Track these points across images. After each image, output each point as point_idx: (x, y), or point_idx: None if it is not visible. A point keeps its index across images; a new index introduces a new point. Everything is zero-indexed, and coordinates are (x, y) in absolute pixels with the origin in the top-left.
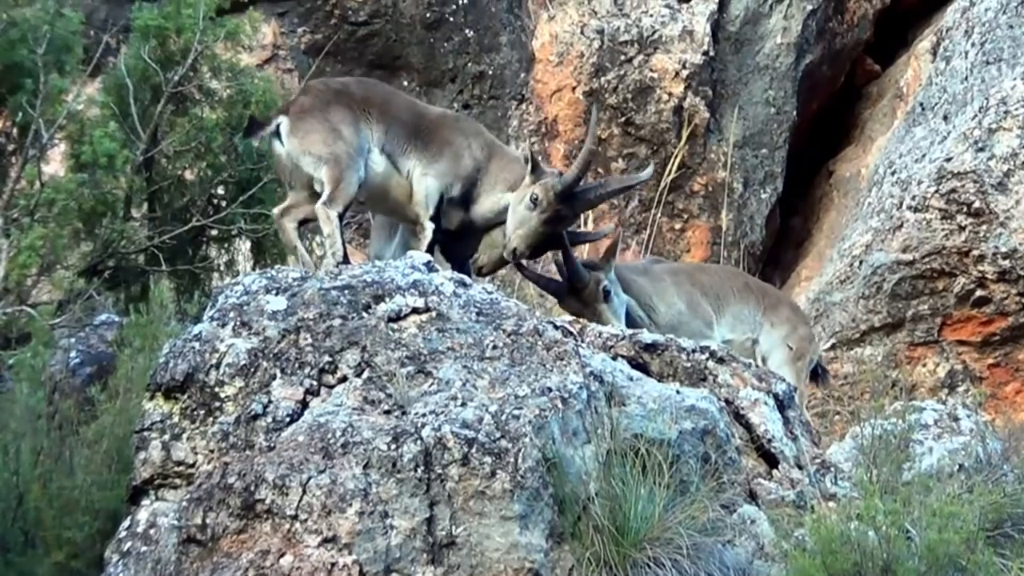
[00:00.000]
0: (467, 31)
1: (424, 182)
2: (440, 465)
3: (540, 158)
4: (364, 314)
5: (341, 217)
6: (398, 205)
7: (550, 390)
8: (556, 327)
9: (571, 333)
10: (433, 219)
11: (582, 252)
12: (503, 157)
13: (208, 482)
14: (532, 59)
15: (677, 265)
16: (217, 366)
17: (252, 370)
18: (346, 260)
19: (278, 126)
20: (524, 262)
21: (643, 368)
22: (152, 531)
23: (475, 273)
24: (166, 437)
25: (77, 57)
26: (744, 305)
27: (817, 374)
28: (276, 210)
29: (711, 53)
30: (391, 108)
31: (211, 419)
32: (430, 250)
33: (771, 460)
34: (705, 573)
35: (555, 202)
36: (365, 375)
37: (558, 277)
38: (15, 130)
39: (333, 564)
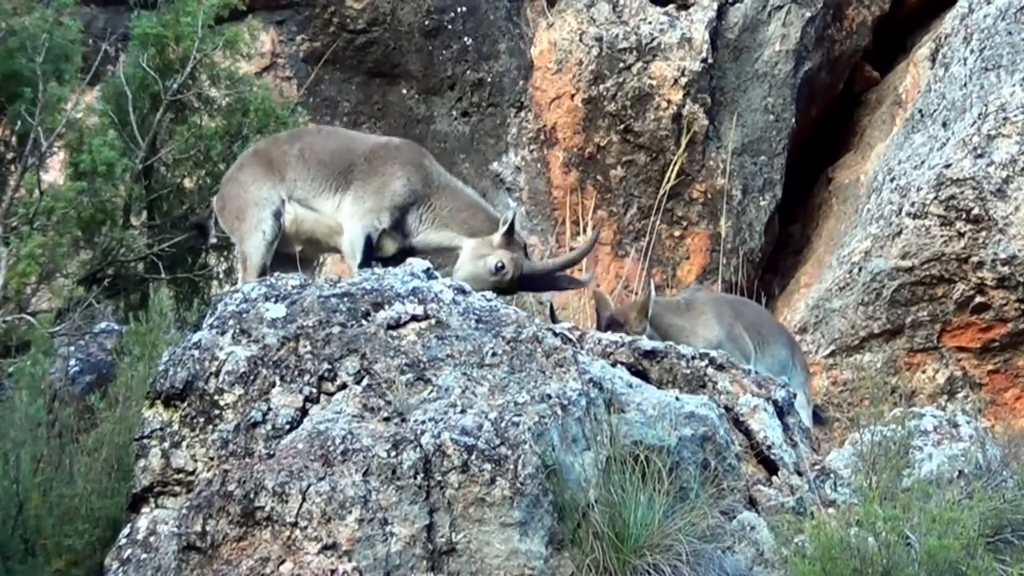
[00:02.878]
0: (466, 39)
1: (348, 227)
2: (440, 472)
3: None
4: (363, 321)
5: None
6: (330, 246)
7: (549, 397)
8: (555, 334)
9: (570, 340)
10: (363, 266)
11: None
12: (458, 198)
13: (208, 489)
14: (531, 66)
15: (722, 296)
16: (217, 374)
17: (252, 378)
18: None
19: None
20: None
21: (642, 375)
22: (152, 539)
23: None
24: (166, 445)
25: (76, 66)
26: (778, 345)
27: (817, 416)
28: None
29: (710, 60)
30: (310, 153)
31: (211, 427)
32: None
33: (771, 467)
34: None
35: (515, 279)
36: (364, 382)
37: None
38: (14, 138)
39: (333, 571)
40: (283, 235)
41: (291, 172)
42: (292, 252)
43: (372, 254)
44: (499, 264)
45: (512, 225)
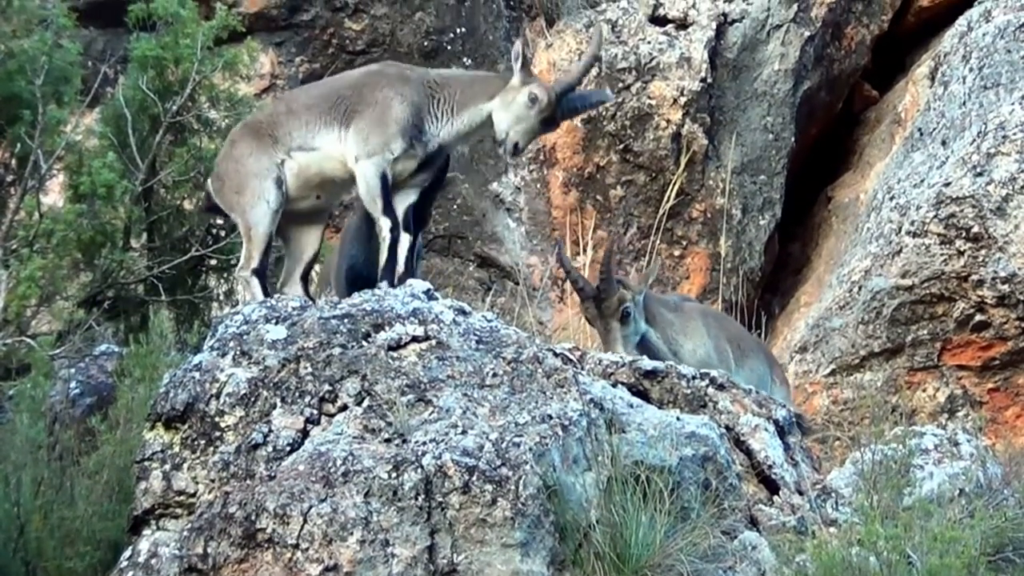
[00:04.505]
0: (465, 59)
1: (360, 172)
2: (441, 493)
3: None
4: (364, 343)
5: (258, 273)
6: (344, 181)
7: (550, 417)
8: (556, 354)
9: (571, 360)
10: (386, 211)
11: (623, 270)
12: (457, 80)
13: (209, 512)
14: None
15: (706, 308)
16: (217, 396)
17: (252, 399)
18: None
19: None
20: (566, 259)
21: (643, 395)
22: (153, 561)
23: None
24: (167, 467)
25: (75, 88)
26: (757, 360)
27: (800, 425)
28: (278, 287)
29: (709, 80)
30: (296, 104)
31: (212, 449)
32: (392, 251)
33: (772, 486)
34: None
35: (554, 103)
36: (365, 404)
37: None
38: (14, 161)
39: None
40: (296, 190)
41: (282, 129)
42: (308, 208)
43: (390, 192)
44: (532, 96)
45: (524, 57)
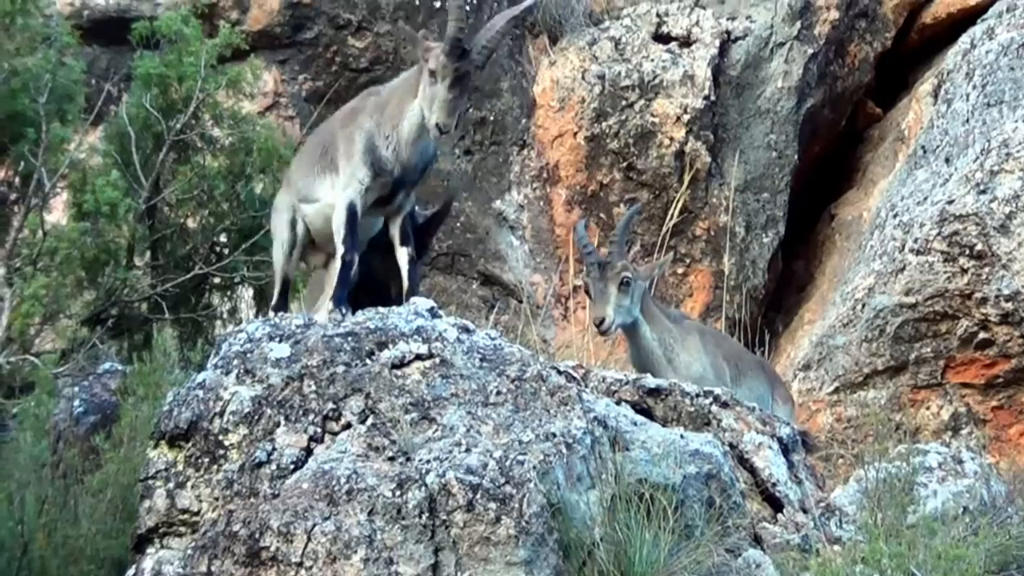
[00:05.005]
0: None
1: (336, 205)
2: (445, 511)
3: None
4: (368, 361)
5: (276, 311)
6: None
7: (554, 435)
8: (560, 372)
9: (575, 378)
10: (345, 240)
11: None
12: (394, 90)
13: (213, 530)
14: (533, 105)
15: (704, 327)
16: (221, 414)
17: (256, 417)
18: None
19: None
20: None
21: (647, 413)
22: None
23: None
24: (171, 485)
25: (79, 106)
26: (757, 379)
27: (806, 444)
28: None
29: (712, 97)
30: (303, 151)
31: (215, 467)
32: (342, 280)
33: (776, 504)
34: None
35: (451, 63)
36: (369, 422)
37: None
38: (17, 179)
39: None
40: (315, 236)
41: (294, 175)
42: (331, 251)
43: (354, 223)
44: (429, 71)
45: (413, 40)
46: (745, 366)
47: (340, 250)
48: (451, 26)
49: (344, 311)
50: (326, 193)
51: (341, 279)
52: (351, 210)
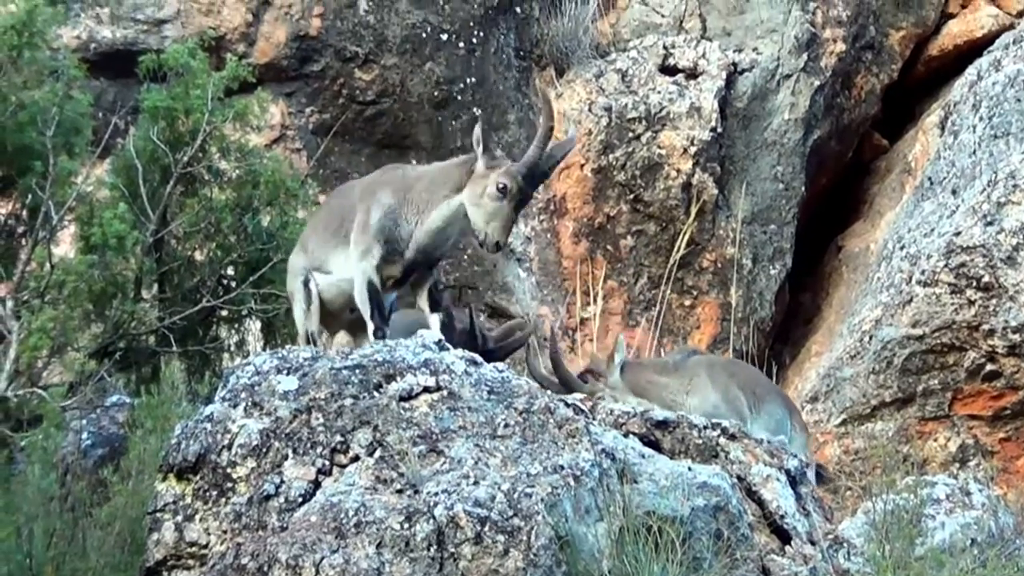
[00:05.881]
0: (475, 109)
1: (353, 276)
2: (453, 544)
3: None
4: (375, 393)
5: None
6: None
7: (562, 468)
8: (567, 405)
9: (582, 411)
10: (372, 316)
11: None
12: (427, 174)
13: (221, 563)
14: None
15: (714, 357)
16: (229, 447)
17: (264, 450)
18: None
19: None
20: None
21: (655, 445)
22: None
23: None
24: (179, 518)
25: (86, 139)
26: (775, 405)
27: (820, 476)
28: None
29: (719, 129)
30: (319, 217)
31: (224, 500)
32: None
33: (784, 536)
34: None
35: (523, 186)
36: (377, 454)
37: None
38: (25, 212)
39: None
40: (328, 306)
41: (309, 241)
42: (349, 317)
43: (378, 298)
44: (500, 186)
45: (486, 144)
46: (763, 392)
47: (370, 327)
48: (534, 150)
49: None
50: (340, 267)
51: None
52: (372, 285)
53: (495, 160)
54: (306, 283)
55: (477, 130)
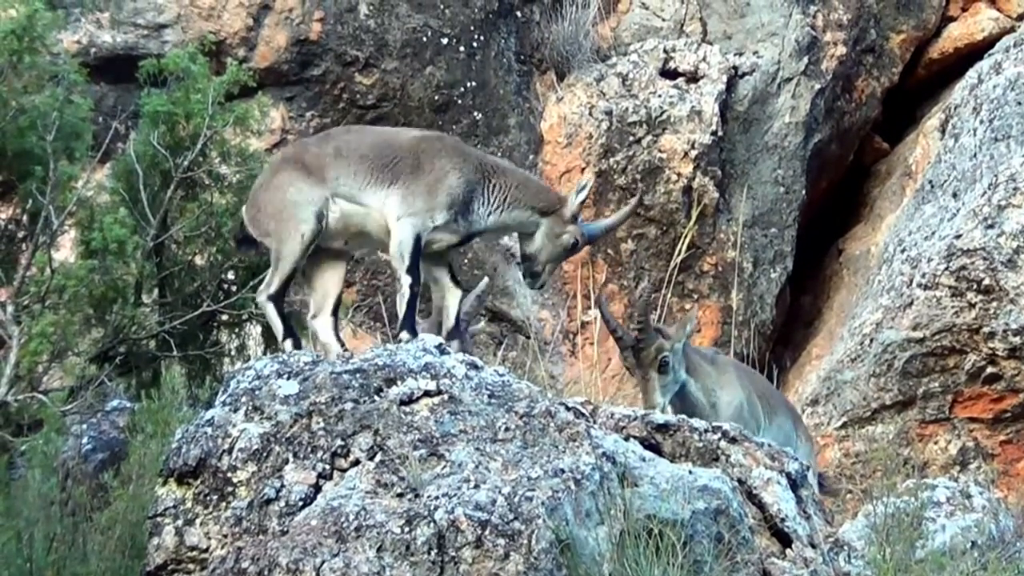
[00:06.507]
0: (475, 113)
1: (398, 229)
2: (454, 547)
3: None
4: (376, 397)
5: (273, 298)
6: (381, 241)
7: (563, 471)
8: (568, 408)
9: (583, 414)
10: (411, 271)
11: (658, 317)
12: (515, 175)
13: (222, 567)
14: (541, 141)
15: (738, 362)
16: (230, 451)
17: (265, 454)
18: (288, 335)
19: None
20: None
21: (655, 449)
22: None
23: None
24: (179, 522)
25: (86, 143)
26: (784, 416)
27: (823, 485)
28: (309, 319)
29: (720, 133)
30: (348, 150)
31: (224, 504)
32: (410, 309)
33: (784, 539)
34: None
35: (582, 247)
36: (378, 458)
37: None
38: (25, 217)
39: None
40: (329, 231)
41: (331, 171)
42: (335, 247)
43: (420, 254)
44: (573, 241)
45: (583, 201)
46: (775, 403)
47: (406, 280)
48: (611, 222)
49: (412, 336)
50: (375, 202)
51: (409, 307)
52: (418, 240)
53: (577, 214)
54: (320, 216)
55: (588, 183)
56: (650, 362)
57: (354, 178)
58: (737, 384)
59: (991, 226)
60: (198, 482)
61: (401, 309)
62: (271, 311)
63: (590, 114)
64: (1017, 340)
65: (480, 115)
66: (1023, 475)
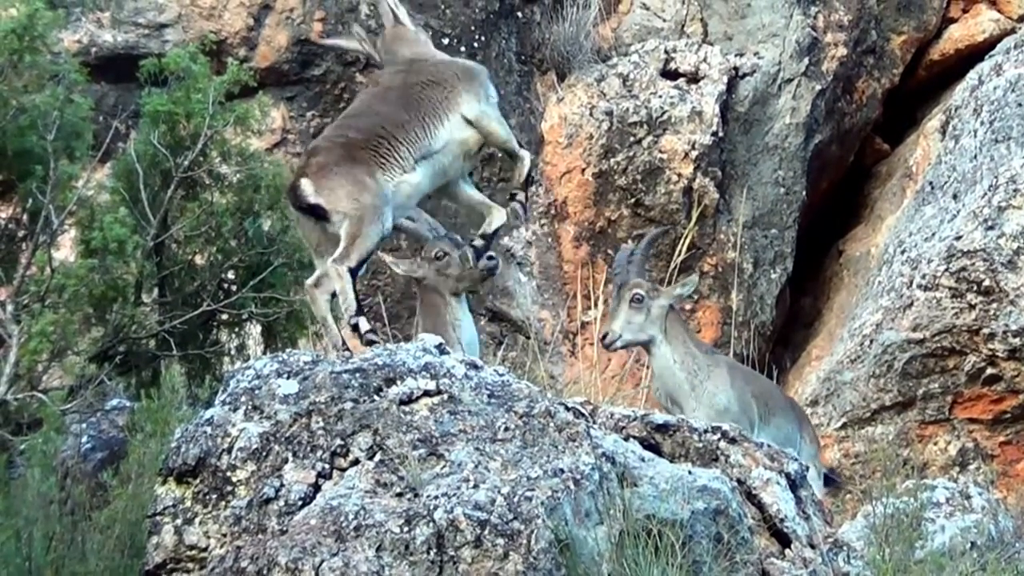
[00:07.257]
0: None
1: (484, 123)
2: (453, 547)
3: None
4: (376, 397)
5: (353, 272)
6: (474, 152)
7: (562, 471)
8: (567, 408)
9: (583, 414)
10: (518, 141)
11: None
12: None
13: (221, 566)
14: (541, 141)
15: (736, 363)
16: (229, 450)
17: (264, 454)
18: (360, 312)
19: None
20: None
21: (655, 449)
22: None
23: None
24: (179, 522)
25: (87, 143)
26: (786, 419)
27: (830, 480)
28: (309, 281)
29: (720, 134)
30: (389, 122)
31: (223, 503)
32: (531, 174)
33: (784, 540)
34: None
35: None
36: (377, 458)
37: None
38: (25, 216)
39: None
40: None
41: (396, 151)
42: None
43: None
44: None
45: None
46: (775, 404)
47: (524, 152)
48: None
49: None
50: (443, 137)
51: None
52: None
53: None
54: (391, 208)
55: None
56: (624, 294)
57: (420, 141)
58: (727, 380)
59: (991, 227)
60: (197, 481)
61: (523, 176)
62: (348, 285)
63: (591, 114)
64: (1017, 341)
65: None
66: (1023, 476)
